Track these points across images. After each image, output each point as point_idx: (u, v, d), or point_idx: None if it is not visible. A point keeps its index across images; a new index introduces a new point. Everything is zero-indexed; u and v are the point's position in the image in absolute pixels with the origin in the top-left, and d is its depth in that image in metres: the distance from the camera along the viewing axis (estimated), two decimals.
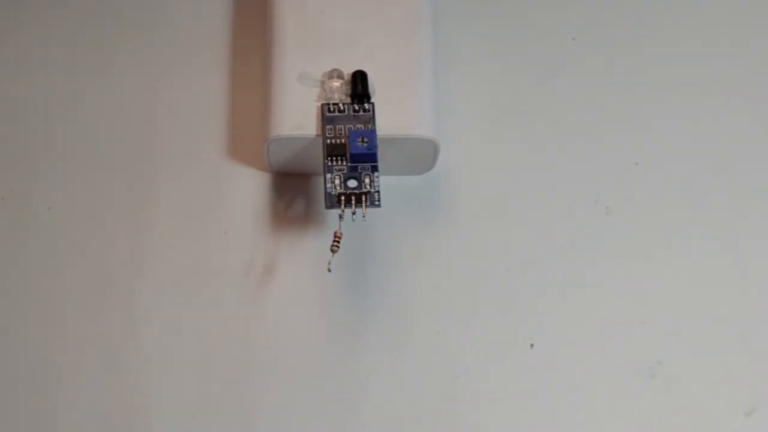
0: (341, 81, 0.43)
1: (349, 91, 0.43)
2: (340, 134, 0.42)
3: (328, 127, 0.42)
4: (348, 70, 0.44)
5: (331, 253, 0.39)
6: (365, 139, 0.42)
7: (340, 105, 0.43)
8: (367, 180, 0.41)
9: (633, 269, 0.44)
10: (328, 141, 0.42)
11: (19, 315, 0.42)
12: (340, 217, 0.40)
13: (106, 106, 0.47)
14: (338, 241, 0.39)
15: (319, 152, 0.42)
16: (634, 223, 0.45)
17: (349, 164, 0.41)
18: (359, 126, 0.42)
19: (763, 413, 0.41)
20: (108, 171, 0.46)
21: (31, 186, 0.45)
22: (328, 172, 0.41)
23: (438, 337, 0.42)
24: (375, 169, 0.41)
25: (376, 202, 0.41)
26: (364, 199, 0.41)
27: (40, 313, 0.42)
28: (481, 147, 0.47)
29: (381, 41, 0.45)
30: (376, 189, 0.41)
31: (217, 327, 0.42)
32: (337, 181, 0.41)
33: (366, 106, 0.43)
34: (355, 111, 0.43)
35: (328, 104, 0.43)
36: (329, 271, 0.38)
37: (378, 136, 0.42)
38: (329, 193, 0.41)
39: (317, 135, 0.42)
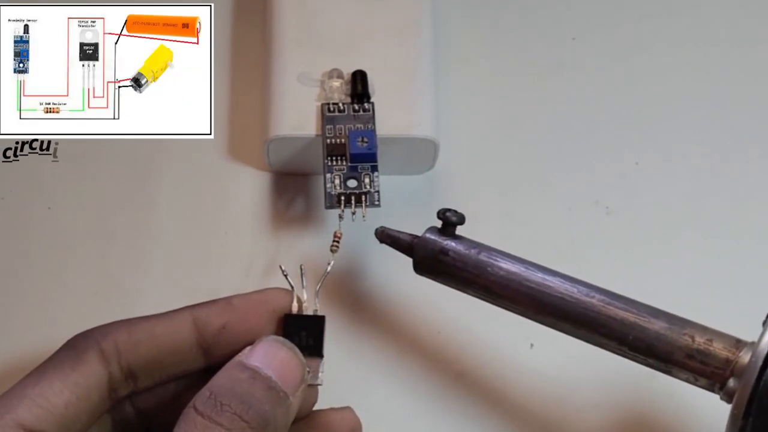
0: (341, 81, 0.43)
1: (349, 91, 0.43)
2: (340, 134, 0.42)
3: (328, 126, 0.42)
4: (348, 70, 0.44)
5: (330, 254, 0.39)
6: (365, 139, 0.42)
7: (340, 105, 0.43)
8: (366, 180, 0.41)
9: (633, 269, 0.44)
10: (328, 141, 0.42)
11: (19, 315, 0.42)
12: (340, 217, 0.40)
13: None
14: (338, 241, 0.39)
15: (319, 152, 0.42)
16: (634, 223, 0.45)
17: (349, 164, 0.41)
18: (359, 126, 0.42)
19: None
20: (108, 171, 0.46)
21: (31, 186, 0.45)
22: (328, 172, 0.41)
23: (438, 337, 0.42)
24: (375, 169, 0.41)
25: (376, 202, 0.41)
26: (364, 199, 0.41)
27: (40, 314, 0.42)
28: (481, 147, 0.47)
29: (381, 41, 0.45)
30: (376, 189, 0.41)
31: None
32: (336, 181, 0.41)
33: (366, 105, 0.43)
34: (354, 111, 0.43)
35: (328, 104, 0.43)
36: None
37: (378, 136, 0.42)
38: (329, 193, 0.41)
39: (317, 135, 0.42)
